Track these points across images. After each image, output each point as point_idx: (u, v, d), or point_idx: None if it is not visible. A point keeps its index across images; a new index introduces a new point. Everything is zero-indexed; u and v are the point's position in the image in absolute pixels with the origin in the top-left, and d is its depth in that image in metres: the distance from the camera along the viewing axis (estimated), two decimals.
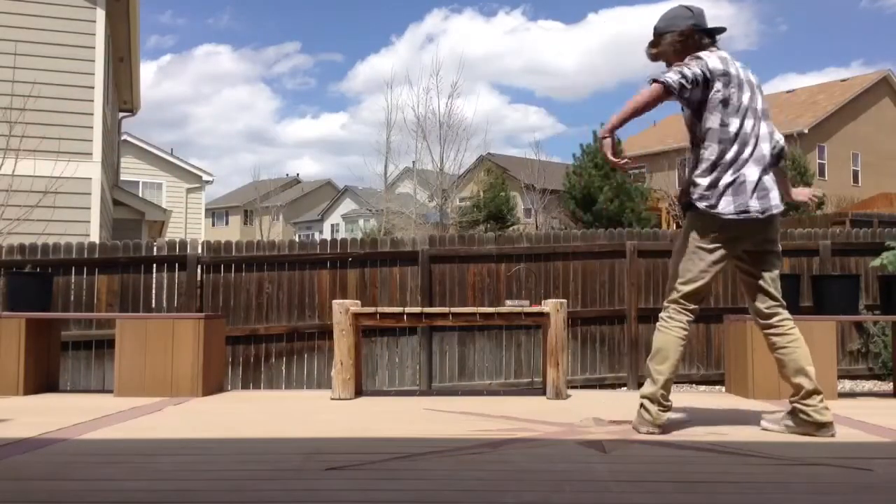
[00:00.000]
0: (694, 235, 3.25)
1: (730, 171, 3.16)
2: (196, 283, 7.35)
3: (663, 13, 3.45)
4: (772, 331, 3.32)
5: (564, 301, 4.99)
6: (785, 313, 3.32)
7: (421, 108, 23.49)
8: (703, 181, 3.20)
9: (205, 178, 26.54)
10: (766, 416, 3.50)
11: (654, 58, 3.46)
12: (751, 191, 3.15)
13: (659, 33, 3.40)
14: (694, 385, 7.92)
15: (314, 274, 7.53)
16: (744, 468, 2.59)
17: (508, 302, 5.32)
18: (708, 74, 3.17)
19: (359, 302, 5.24)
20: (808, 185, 23.59)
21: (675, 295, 3.30)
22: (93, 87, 9.86)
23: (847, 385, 7.62)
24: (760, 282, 3.31)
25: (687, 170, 3.41)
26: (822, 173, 28.60)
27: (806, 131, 28.58)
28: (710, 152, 3.20)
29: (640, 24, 76.38)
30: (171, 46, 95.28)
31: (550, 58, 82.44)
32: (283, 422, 3.88)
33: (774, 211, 3.21)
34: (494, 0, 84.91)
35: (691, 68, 3.16)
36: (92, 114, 9.84)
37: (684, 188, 3.33)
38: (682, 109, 3.34)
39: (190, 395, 4.78)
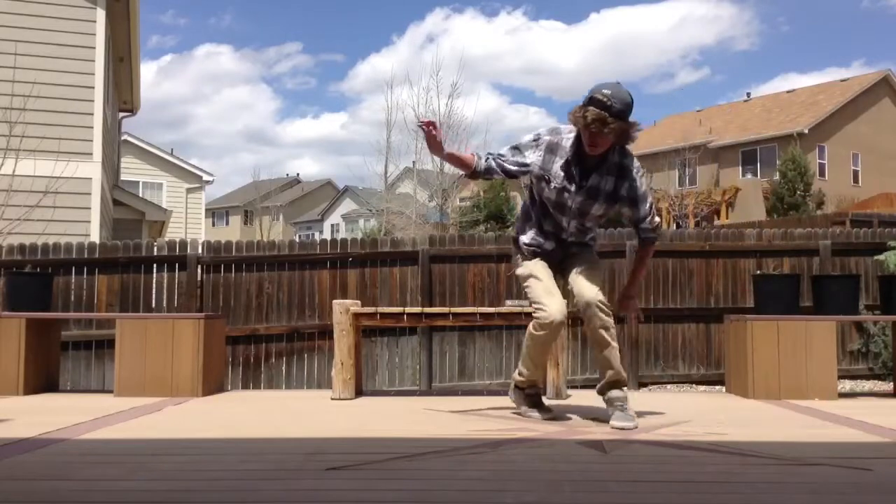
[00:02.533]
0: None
1: None
2: (196, 283, 7.35)
3: (621, 94, 3.08)
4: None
5: (564, 301, 4.98)
6: None
7: (421, 108, 23.24)
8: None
9: (205, 178, 26.58)
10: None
11: (616, 139, 3.18)
12: None
13: (627, 117, 3.12)
14: (694, 385, 7.92)
15: (314, 274, 7.53)
16: (743, 468, 2.59)
17: (508, 302, 5.32)
18: None
19: (359, 302, 5.23)
20: (808, 184, 23.59)
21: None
22: (93, 87, 9.86)
23: (847, 385, 7.62)
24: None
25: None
26: (822, 173, 28.59)
27: (806, 131, 28.57)
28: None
29: (641, 24, 76.39)
30: (171, 46, 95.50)
31: (551, 58, 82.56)
32: (283, 422, 3.88)
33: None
34: (496, 0, 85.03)
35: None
36: (92, 114, 9.84)
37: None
38: (602, 201, 3.47)
39: (190, 395, 4.78)
